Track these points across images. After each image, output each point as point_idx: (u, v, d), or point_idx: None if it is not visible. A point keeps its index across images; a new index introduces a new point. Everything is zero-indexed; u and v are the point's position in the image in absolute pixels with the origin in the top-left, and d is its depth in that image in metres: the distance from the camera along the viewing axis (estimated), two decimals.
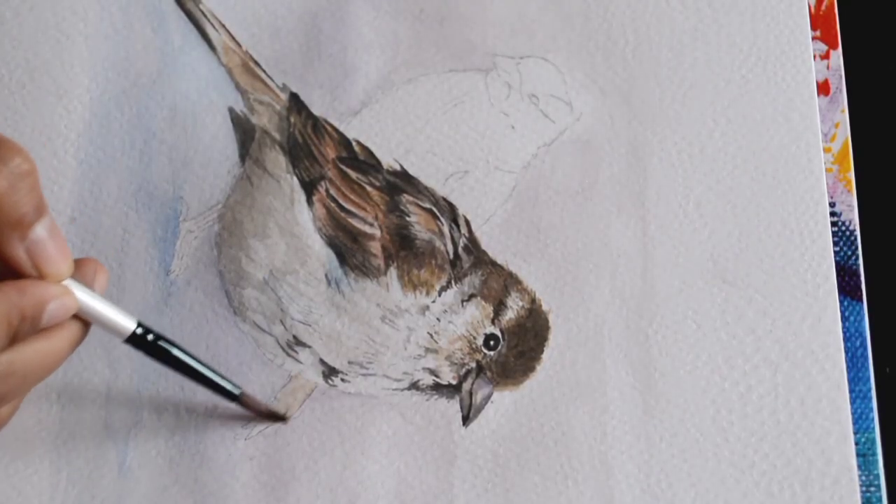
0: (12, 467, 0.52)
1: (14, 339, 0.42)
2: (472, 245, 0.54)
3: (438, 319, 0.53)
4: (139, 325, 0.46)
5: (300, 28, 0.58)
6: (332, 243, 0.54)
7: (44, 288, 0.43)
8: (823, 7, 0.57)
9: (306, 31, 0.58)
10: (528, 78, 0.57)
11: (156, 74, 0.57)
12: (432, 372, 0.53)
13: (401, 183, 0.55)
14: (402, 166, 0.55)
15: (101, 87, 0.57)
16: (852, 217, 0.54)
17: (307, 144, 0.56)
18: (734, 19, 0.57)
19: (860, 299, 0.53)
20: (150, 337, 0.47)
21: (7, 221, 0.42)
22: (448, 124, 0.56)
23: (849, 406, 0.52)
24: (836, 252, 0.54)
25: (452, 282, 0.54)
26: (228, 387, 0.50)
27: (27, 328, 0.42)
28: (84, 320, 0.45)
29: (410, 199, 0.55)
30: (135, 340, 0.46)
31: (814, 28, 0.57)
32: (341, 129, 0.56)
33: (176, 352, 0.48)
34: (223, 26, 0.58)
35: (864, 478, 0.51)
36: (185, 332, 0.53)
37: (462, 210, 0.55)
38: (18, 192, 0.41)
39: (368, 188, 0.55)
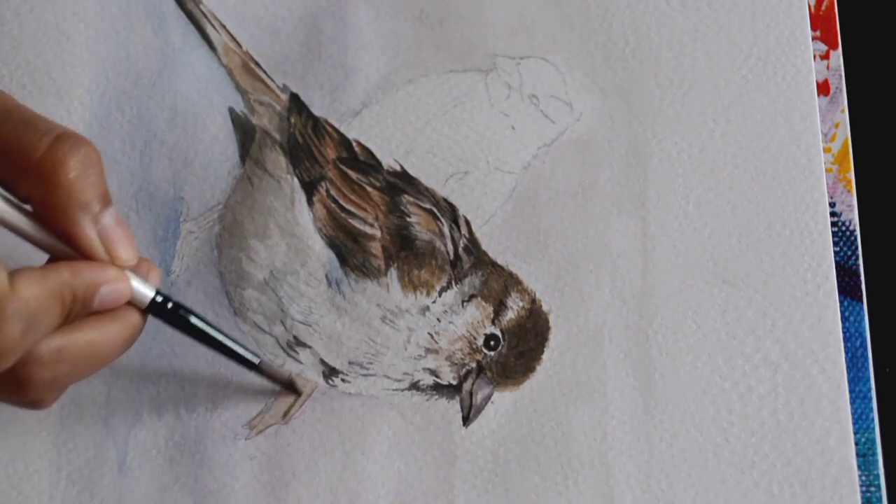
0: (12, 467, 0.52)
1: (66, 318, 0.42)
2: (473, 245, 0.54)
3: (439, 320, 0.53)
4: (158, 293, 0.46)
5: (300, 28, 0.58)
6: (332, 244, 0.54)
7: (98, 270, 0.43)
8: (823, 7, 0.57)
9: (307, 32, 0.58)
10: (528, 78, 0.57)
11: (156, 75, 0.57)
12: (433, 372, 0.53)
13: (401, 183, 0.55)
14: (402, 167, 0.56)
15: (101, 87, 0.57)
16: (852, 217, 0.54)
17: (307, 145, 0.56)
18: (734, 19, 0.57)
19: (860, 299, 0.53)
20: (169, 305, 0.46)
21: (79, 204, 0.43)
22: (448, 125, 0.56)
23: (849, 406, 0.52)
24: (836, 252, 0.54)
25: (453, 282, 0.54)
26: (248, 356, 0.49)
27: (79, 309, 0.43)
28: (141, 315, 0.45)
29: (411, 199, 0.55)
30: (154, 309, 0.46)
31: (814, 28, 0.57)
32: (342, 129, 0.56)
33: (195, 320, 0.47)
34: (223, 27, 0.58)
35: (864, 478, 0.51)
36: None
37: (462, 210, 0.55)
38: (90, 177, 0.43)
39: (369, 189, 0.55)
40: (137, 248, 0.45)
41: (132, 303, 0.45)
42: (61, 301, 0.42)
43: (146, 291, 0.45)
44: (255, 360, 0.50)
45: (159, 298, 0.46)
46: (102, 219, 0.44)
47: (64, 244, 0.43)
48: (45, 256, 0.44)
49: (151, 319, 0.46)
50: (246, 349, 0.49)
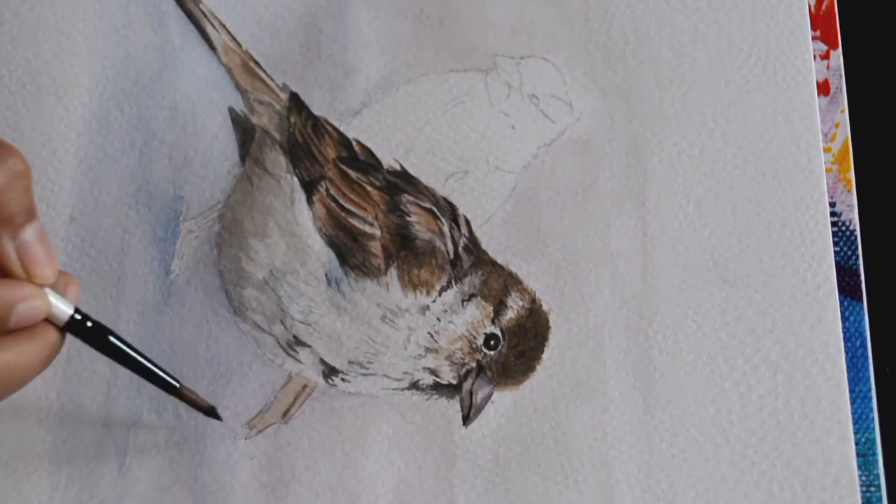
0: (12, 466, 0.52)
1: None
2: (473, 245, 0.54)
3: (439, 319, 0.53)
4: (77, 311, 0.45)
5: (300, 28, 0.58)
6: (332, 243, 0.54)
7: (14, 288, 0.42)
8: (823, 7, 0.57)
9: (306, 31, 0.58)
10: (528, 78, 0.57)
11: (156, 74, 0.57)
12: (432, 371, 0.53)
13: (401, 183, 0.55)
14: (402, 166, 0.56)
15: (101, 86, 0.57)
16: (852, 217, 0.54)
17: (307, 144, 0.56)
18: (734, 19, 0.57)
19: (860, 299, 0.53)
20: (89, 324, 0.46)
21: (0, 218, 0.42)
22: (448, 124, 0.56)
23: (849, 406, 0.52)
24: (836, 252, 0.54)
25: (452, 282, 0.54)
26: (168, 379, 0.49)
27: None
28: (59, 334, 0.44)
29: (411, 198, 0.55)
30: (73, 327, 0.45)
31: (814, 28, 0.57)
32: (341, 128, 0.56)
33: (114, 340, 0.47)
34: (223, 26, 0.58)
35: (864, 478, 0.51)
36: (185, 332, 0.53)
37: (462, 210, 0.55)
38: (13, 190, 0.42)
39: (369, 188, 0.55)
40: (57, 265, 0.44)
41: (50, 320, 0.44)
42: None
43: (65, 309, 0.45)
44: (175, 385, 0.49)
45: (78, 316, 0.45)
46: (23, 234, 0.43)
47: None
48: None
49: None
50: (165, 373, 0.49)
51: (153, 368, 0.48)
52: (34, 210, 0.43)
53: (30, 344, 0.43)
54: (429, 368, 0.53)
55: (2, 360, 0.42)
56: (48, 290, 0.44)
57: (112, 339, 0.47)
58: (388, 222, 0.54)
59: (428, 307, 0.53)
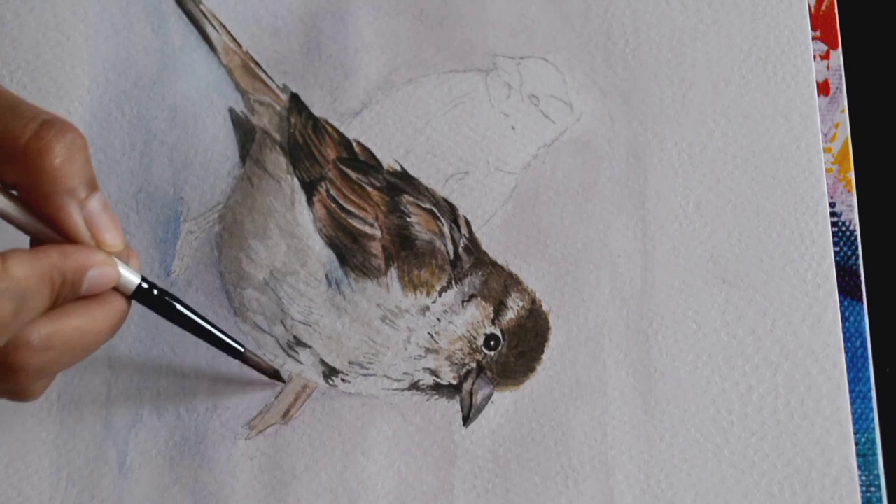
0: (12, 467, 0.52)
1: (55, 301, 0.42)
2: (473, 245, 0.54)
3: (439, 320, 0.53)
4: (144, 279, 0.46)
5: (300, 28, 0.58)
6: (332, 244, 0.54)
7: (87, 254, 0.43)
8: (823, 7, 0.57)
9: (306, 32, 0.58)
10: (528, 78, 0.57)
11: (156, 75, 0.57)
12: (433, 372, 0.53)
13: (401, 183, 0.55)
14: (402, 167, 0.56)
15: (101, 87, 0.57)
16: (852, 217, 0.54)
17: (307, 145, 0.56)
18: (734, 19, 0.57)
19: (860, 299, 0.53)
20: (155, 292, 0.46)
21: (65, 189, 0.42)
22: (448, 125, 0.56)
23: (849, 406, 0.52)
24: (836, 252, 0.54)
25: (453, 282, 0.54)
26: (232, 343, 0.50)
27: (67, 292, 0.43)
28: (125, 301, 0.45)
29: (411, 199, 0.55)
30: (140, 295, 0.46)
31: (814, 28, 0.57)
32: (342, 129, 0.56)
33: (180, 307, 0.48)
34: (223, 27, 0.58)
35: (864, 478, 0.51)
36: (185, 333, 0.53)
37: (462, 210, 0.55)
38: (76, 162, 0.43)
39: (369, 189, 0.55)
40: (123, 232, 0.45)
41: (118, 288, 0.45)
42: (51, 283, 0.42)
43: (132, 277, 0.45)
44: (240, 349, 0.50)
45: (145, 285, 0.46)
46: (89, 204, 0.43)
47: (50, 229, 0.43)
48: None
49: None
50: (230, 337, 0.50)
51: (218, 334, 0.49)
52: (96, 181, 0.44)
53: (100, 310, 0.44)
54: (429, 369, 0.53)
55: (74, 325, 0.43)
56: (116, 259, 0.45)
57: (179, 306, 0.47)
58: (389, 223, 0.54)
59: (428, 308, 0.53)
